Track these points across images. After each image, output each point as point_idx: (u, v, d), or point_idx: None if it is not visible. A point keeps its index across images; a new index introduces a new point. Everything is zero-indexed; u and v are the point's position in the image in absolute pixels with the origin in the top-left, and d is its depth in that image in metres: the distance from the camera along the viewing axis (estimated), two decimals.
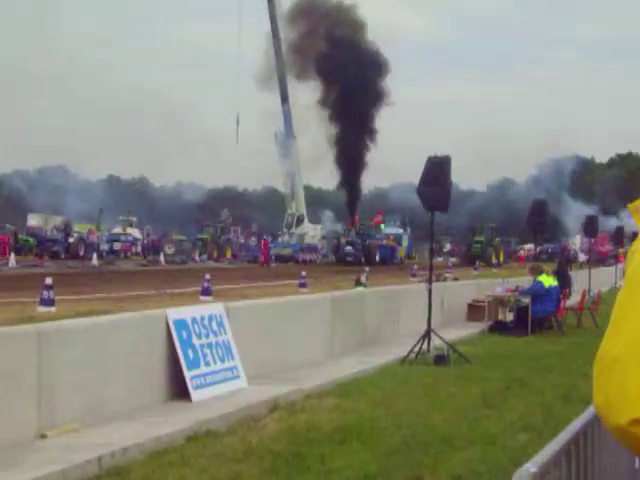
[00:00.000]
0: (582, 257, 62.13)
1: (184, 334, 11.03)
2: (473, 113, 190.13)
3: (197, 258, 67.70)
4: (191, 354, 11.06)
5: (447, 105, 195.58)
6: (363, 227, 77.63)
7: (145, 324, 10.79)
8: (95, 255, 56.86)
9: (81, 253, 60.86)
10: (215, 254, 71.10)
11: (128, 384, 10.14)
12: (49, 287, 22.23)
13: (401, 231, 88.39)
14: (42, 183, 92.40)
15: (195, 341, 11.22)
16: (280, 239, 75.78)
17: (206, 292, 27.26)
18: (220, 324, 11.87)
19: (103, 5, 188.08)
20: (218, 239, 74.72)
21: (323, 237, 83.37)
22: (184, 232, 79.27)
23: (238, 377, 11.96)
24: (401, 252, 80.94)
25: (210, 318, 11.73)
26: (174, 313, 11.14)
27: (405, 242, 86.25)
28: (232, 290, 31.94)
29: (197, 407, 10.58)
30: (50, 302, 22.09)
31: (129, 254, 70.74)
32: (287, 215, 76.37)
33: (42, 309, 21.80)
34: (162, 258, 63.09)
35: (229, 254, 73.94)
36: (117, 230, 76.35)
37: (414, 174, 18.78)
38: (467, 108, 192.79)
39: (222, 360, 11.69)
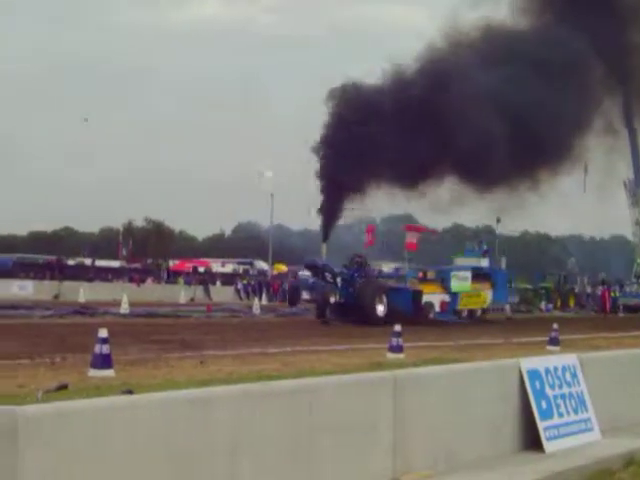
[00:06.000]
0: None
1: (537, 384, 10.88)
2: None
3: (543, 307, 66.94)
4: (544, 404, 10.88)
5: None
6: (361, 259, 44.40)
7: (499, 373, 10.74)
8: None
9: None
10: (558, 303, 69.98)
11: (480, 433, 10.11)
12: (398, 334, 22.73)
13: (484, 264, 53.73)
14: None
15: (548, 391, 11.03)
16: (628, 289, 73.17)
17: (554, 342, 26.83)
18: (574, 375, 11.60)
19: None
20: (562, 288, 73.53)
21: None
22: (530, 281, 78.50)
23: (591, 429, 11.62)
24: (475, 300, 49.53)
25: (563, 369, 11.49)
26: (527, 363, 11.01)
27: (485, 289, 50.21)
28: (579, 340, 31.22)
29: (550, 458, 10.35)
30: (399, 349, 22.58)
31: None
32: (636, 265, 73.65)
33: (391, 355, 22.30)
34: (507, 307, 62.92)
35: (572, 303, 72.51)
36: None
37: None
38: None
39: (575, 412, 11.42)
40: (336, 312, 41.04)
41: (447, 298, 46.86)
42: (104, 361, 16.92)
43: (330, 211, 46.99)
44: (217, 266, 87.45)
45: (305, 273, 45.99)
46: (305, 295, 43.52)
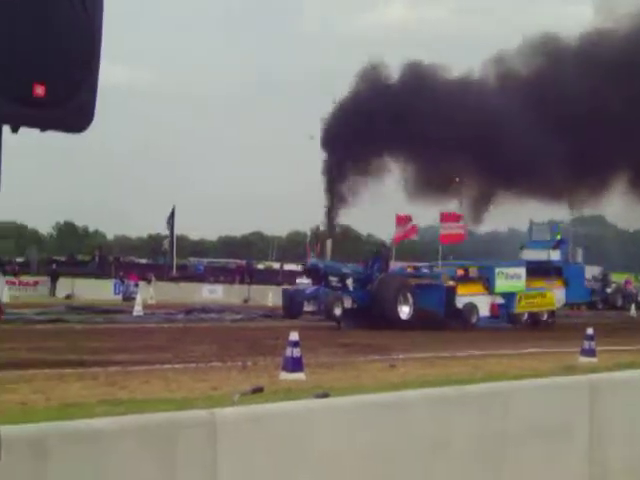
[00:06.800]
0: None
1: None
2: None
3: None
4: None
5: None
6: (384, 248, 41.12)
7: None
8: (633, 306, 56.20)
9: (619, 303, 60.74)
10: None
11: None
12: (590, 337, 22.26)
13: (555, 256, 44.27)
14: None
15: None
16: None
17: None
18: None
19: None
20: None
21: None
22: None
23: None
24: (539, 302, 40.95)
25: None
26: None
27: (554, 287, 42.34)
28: None
29: None
30: (591, 352, 22.10)
31: None
32: None
33: (583, 359, 21.85)
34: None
35: None
36: None
37: None
38: None
39: None
40: (350, 318, 35.09)
41: (499, 299, 39.22)
42: (295, 364, 17.11)
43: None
44: None
45: (304, 281, 37.65)
46: (308, 307, 35.43)
